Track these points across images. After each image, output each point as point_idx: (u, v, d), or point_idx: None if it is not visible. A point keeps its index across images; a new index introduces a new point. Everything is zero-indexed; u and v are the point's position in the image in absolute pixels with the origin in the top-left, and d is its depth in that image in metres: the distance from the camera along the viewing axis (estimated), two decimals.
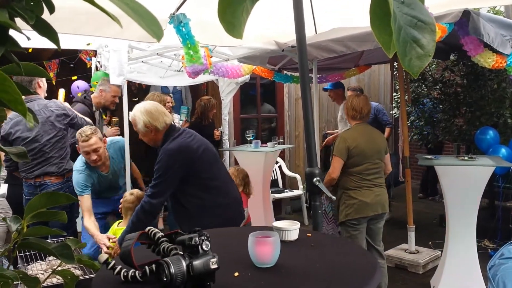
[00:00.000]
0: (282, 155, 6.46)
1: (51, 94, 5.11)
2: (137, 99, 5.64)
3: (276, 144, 5.29)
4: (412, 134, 6.03)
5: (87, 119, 3.85)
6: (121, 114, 4.10)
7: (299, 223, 1.69)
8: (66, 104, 3.87)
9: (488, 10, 4.99)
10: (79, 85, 5.18)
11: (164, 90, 6.51)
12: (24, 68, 0.99)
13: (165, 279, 1.19)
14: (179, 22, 2.98)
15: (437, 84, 5.70)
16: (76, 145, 3.29)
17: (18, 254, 2.44)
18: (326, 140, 5.76)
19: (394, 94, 6.12)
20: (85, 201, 3.25)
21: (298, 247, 1.61)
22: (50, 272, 1.67)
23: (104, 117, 4.60)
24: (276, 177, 6.31)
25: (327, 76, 5.60)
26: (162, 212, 5.38)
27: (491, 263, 2.04)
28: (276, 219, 4.88)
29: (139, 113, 2.73)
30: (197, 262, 1.20)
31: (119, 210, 3.26)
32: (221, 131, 5.55)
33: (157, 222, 5.18)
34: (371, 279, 1.27)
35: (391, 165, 3.59)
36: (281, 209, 6.54)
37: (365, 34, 3.33)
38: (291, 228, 1.65)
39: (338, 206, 3.36)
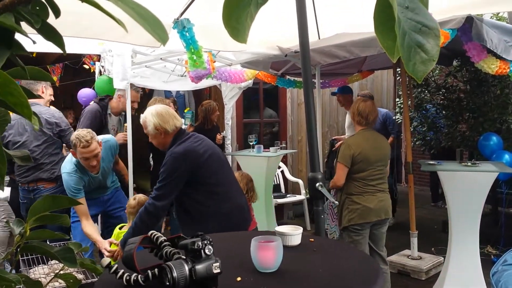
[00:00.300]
0: (284, 160, 6.46)
1: (56, 98, 5.13)
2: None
3: (278, 149, 5.29)
4: (415, 139, 6.01)
5: None
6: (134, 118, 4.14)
7: (301, 228, 1.69)
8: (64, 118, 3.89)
9: (491, 16, 4.98)
10: (83, 95, 5.18)
11: (167, 94, 6.52)
12: (28, 72, 0.99)
13: (167, 283, 1.18)
14: (183, 27, 2.99)
15: (440, 90, 5.70)
16: (70, 150, 3.20)
17: (20, 258, 2.44)
18: (336, 146, 5.67)
19: (397, 99, 6.12)
20: (81, 204, 3.20)
21: (301, 252, 1.61)
22: (52, 276, 1.67)
23: (125, 124, 4.53)
24: (278, 182, 6.31)
25: (330, 81, 5.61)
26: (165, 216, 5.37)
27: (494, 270, 2.03)
28: (279, 224, 4.87)
29: (150, 116, 2.74)
30: (199, 267, 1.20)
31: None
32: (223, 136, 5.56)
33: (161, 225, 5.17)
34: (374, 284, 1.27)
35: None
36: (283, 214, 6.53)
37: (368, 40, 3.34)
38: (294, 233, 1.64)
39: (341, 211, 3.35)
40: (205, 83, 5.25)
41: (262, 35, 3.77)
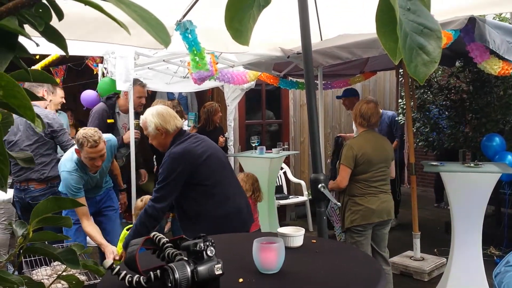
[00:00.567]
0: (287, 161, 6.46)
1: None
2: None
3: (281, 150, 5.29)
4: (417, 140, 6.00)
5: (73, 142, 3.82)
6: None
7: (303, 229, 1.69)
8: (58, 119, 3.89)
9: (494, 17, 4.98)
10: (85, 97, 5.18)
11: (170, 96, 6.54)
12: (32, 74, 1.00)
13: (169, 284, 1.18)
14: (186, 29, 3.00)
15: (443, 90, 5.69)
16: (75, 149, 3.14)
17: (23, 260, 2.45)
18: (342, 137, 5.58)
19: (400, 100, 6.11)
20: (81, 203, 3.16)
21: (303, 253, 1.61)
22: (55, 278, 1.67)
23: (135, 121, 4.49)
24: (281, 183, 6.30)
25: (332, 83, 5.61)
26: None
27: (497, 271, 2.02)
28: (281, 225, 4.88)
29: (150, 116, 2.74)
30: (201, 268, 1.20)
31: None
32: (226, 137, 5.56)
33: (164, 226, 5.17)
34: (376, 286, 1.27)
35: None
36: (286, 215, 6.53)
37: (370, 41, 3.34)
38: (296, 234, 1.64)
39: (343, 213, 3.35)
40: (207, 85, 5.27)
41: (265, 36, 3.77)
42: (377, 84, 7.71)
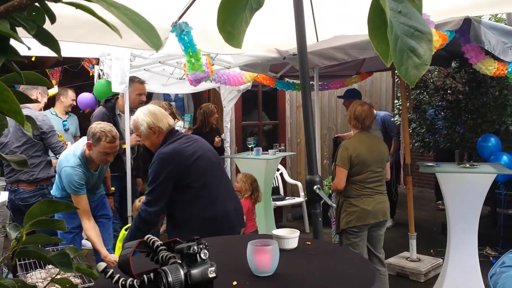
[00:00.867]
0: (283, 162, 6.46)
1: (55, 102, 5.14)
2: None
3: (277, 151, 5.29)
4: (414, 141, 6.02)
5: (64, 147, 3.80)
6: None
7: (298, 231, 1.68)
8: (49, 121, 3.88)
9: (490, 18, 4.99)
10: (82, 99, 5.17)
11: (166, 97, 6.53)
12: (25, 76, 0.99)
13: (163, 287, 1.18)
14: (181, 30, 3.00)
15: (438, 91, 5.70)
16: (87, 142, 3.05)
17: (17, 262, 2.43)
18: (340, 137, 5.58)
19: (396, 101, 6.12)
20: (83, 200, 3.00)
21: (298, 255, 1.60)
22: (48, 281, 1.66)
23: None
24: (277, 185, 6.30)
25: (328, 84, 5.61)
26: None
27: (492, 271, 2.02)
28: (277, 227, 4.88)
29: (142, 115, 2.71)
30: (195, 271, 1.19)
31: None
32: (222, 138, 5.56)
33: (159, 228, 5.16)
34: (370, 287, 1.27)
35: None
36: (282, 216, 6.53)
37: (366, 42, 3.34)
38: (291, 236, 1.64)
39: (339, 214, 3.35)
40: (204, 86, 5.27)
41: (261, 37, 3.77)
42: (373, 85, 7.73)
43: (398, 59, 0.67)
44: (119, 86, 3.97)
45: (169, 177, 2.55)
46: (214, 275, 1.22)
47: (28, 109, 3.67)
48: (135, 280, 1.30)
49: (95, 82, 4.86)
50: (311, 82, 4.06)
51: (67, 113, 5.22)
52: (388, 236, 3.64)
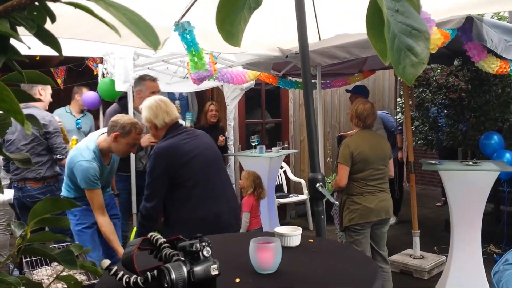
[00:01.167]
0: (287, 160, 6.47)
1: (60, 101, 5.17)
2: None
3: (280, 149, 5.30)
4: (416, 139, 6.01)
5: (67, 148, 3.80)
6: None
7: (301, 229, 1.69)
8: (57, 122, 3.88)
9: (492, 16, 4.98)
10: (86, 98, 5.19)
11: (171, 96, 6.54)
12: (28, 76, 1.01)
13: (166, 285, 1.19)
14: (184, 29, 3.01)
15: (441, 89, 5.69)
16: (113, 134, 2.96)
17: (24, 260, 2.46)
18: (344, 135, 5.58)
19: (399, 99, 6.11)
20: (99, 195, 2.94)
21: (300, 253, 1.61)
22: (53, 278, 1.68)
23: None
24: (281, 182, 6.31)
25: (331, 82, 5.61)
26: None
27: (496, 269, 2.03)
28: (281, 224, 4.88)
29: (143, 108, 2.73)
30: (198, 268, 1.20)
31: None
32: (226, 137, 5.58)
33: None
34: (372, 285, 1.27)
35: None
36: (286, 214, 6.54)
37: (368, 41, 3.31)
38: (293, 234, 1.65)
39: (341, 211, 3.36)
40: (207, 85, 5.28)
41: (263, 36, 3.78)
42: (376, 83, 7.71)
43: (395, 58, 0.67)
44: (123, 85, 3.99)
45: (164, 173, 2.55)
46: (217, 272, 1.23)
47: (36, 109, 3.69)
48: (138, 277, 1.31)
49: (99, 81, 4.88)
50: (313, 81, 4.08)
51: (82, 111, 5.25)
52: (392, 234, 3.64)
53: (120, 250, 2.93)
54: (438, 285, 3.78)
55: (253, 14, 0.76)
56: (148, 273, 1.30)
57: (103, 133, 3.10)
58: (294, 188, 6.57)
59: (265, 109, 6.70)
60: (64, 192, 3.13)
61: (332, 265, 1.51)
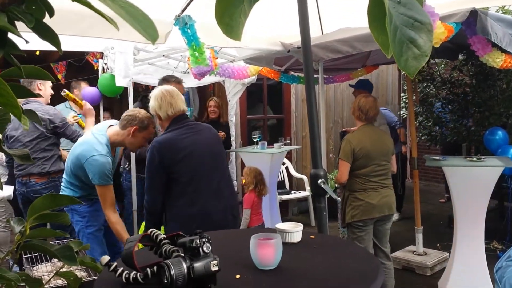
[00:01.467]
0: (289, 156, 6.45)
1: (60, 96, 5.16)
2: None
3: (282, 145, 5.29)
4: (420, 134, 5.98)
5: (82, 133, 3.75)
6: None
7: (302, 225, 1.68)
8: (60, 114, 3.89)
9: (497, 10, 4.93)
10: (86, 93, 5.19)
11: None
12: (27, 71, 0.99)
13: (165, 281, 1.19)
14: (184, 24, 2.99)
15: (445, 84, 5.66)
16: (133, 128, 2.93)
17: (23, 256, 2.46)
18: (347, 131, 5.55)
19: (402, 94, 6.09)
20: (111, 191, 2.87)
21: (301, 249, 1.60)
22: (53, 274, 1.67)
23: None
24: (283, 178, 6.30)
25: (334, 77, 5.58)
26: None
27: (498, 265, 2.01)
28: (283, 221, 4.88)
29: (152, 98, 2.72)
30: (197, 264, 1.20)
31: None
32: (224, 133, 5.55)
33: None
34: (373, 282, 1.26)
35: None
36: (288, 210, 6.53)
37: (371, 35, 3.30)
38: (294, 230, 1.64)
39: (344, 208, 3.35)
40: (208, 80, 5.26)
41: (265, 30, 3.75)
42: (379, 78, 7.67)
43: (397, 50, 0.66)
44: (123, 80, 3.98)
45: (160, 167, 2.54)
46: (217, 268, 1.22)
47: (38, 104, 3.70)
48: (138, 273, 1.31)
49: (99, 76, 4.87)
50: (316, 75, 4.05)
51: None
52: (395, 230, 3.63)
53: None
54: (440, 282, 3.77)
55: (254, 7, 0.75)
56: (148, 269, 1.29)
57: (110, 125, 3.03)
58: (296, 185, 6.56)
59: (267, 105, 6.68)
60: (67, 192, 3.00)
61: (334, 262, 1.50)
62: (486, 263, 3.47)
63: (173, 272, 1.18)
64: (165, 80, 3.65)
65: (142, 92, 6.70)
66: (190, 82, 5.38)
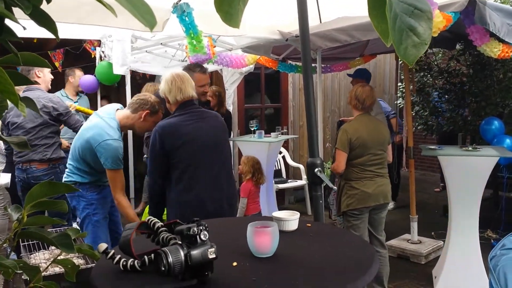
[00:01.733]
0: (286, 145, 6.46)
1: (57, 84, 5.14)
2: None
3: (279, 134, 5.29)
4: (416, 124, 5.99)
5: (82, 121, 3.80)
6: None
7: (298, 214, 1.69)
8: (64, 101, 3.89)
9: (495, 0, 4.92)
10: (84, 82, 5.16)
11: None
12: (25, 58, 0.99)
13: (163, 268, 1.19)
14: (182, 11, 2.96)
15: (442, 74, 5.65)
16: (144, 112, 2.91)
17: (21, 243, 2.46)
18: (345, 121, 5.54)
19: (399, 84, 6.08)
20: (122, 175, 2.88)
21: (298, 237, 1.61)
22: (50, 261, 1.68)
23: None
24: (279, 167, 6.32)
25: (331, 66, 5.57)
26: None
27: (492, 254, 2.03)
28: (280, 209, 4.90)
29: (163, 81, 2.72)
30: (195, 252, 1.20)
31: None
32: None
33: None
34: (368, 269, 1.27)
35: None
36: (284, 199, 6.56)
37: (369, 23, 3.24)
38: (291, 218, 1.65)
39: (340, 197, 3.36)
40: None
41: (263, 19, 3.73)
42: (377, 67, 7.66)
43: (397, 38, 0.65)
44: (120, 68, 3.96)
45: (160, 151, 2.56)
46: (214, 256, 1.23)
47: (39, 91, 3.69)
48: (135, 261, 1.31)
49: (97, 64, 4.85)
50: (314, 65, 4.04)
51: (77, 93, 5.23)
52: (390, 219, 3.65)
53: None
54: (435, 270, 3.81)
55: None
56: (145, 257, 1.30)
57: (118, 109, 3.00)
58: (293, 173, 6.57)
59: (264, 94, 6.66)
60: (76, 178, 2.95)
61: (329, 250, 1.52)
62: (480, 251, 3.50)
63: (170, 260, 1.19)
64: (190, 69, 3.32)
65: (139, 80, 6.68)
66: None
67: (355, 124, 3.32)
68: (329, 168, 4.94)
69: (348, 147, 3.22)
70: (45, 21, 0.92)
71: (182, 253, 1.20)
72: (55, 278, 2.04)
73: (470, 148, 3.70)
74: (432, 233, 4.82)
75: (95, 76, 4.87)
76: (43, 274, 1.31)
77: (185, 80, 2.68)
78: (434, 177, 7.71)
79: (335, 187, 3.35)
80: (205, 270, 1.23)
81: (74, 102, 5.09)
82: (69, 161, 3.02)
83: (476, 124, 5.10)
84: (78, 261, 2.25)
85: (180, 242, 1.26)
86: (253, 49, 4.27)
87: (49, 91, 3.98)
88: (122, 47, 3.97)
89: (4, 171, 3.84)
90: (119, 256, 1.34)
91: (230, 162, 2.87)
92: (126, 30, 3.87)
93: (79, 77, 5.14)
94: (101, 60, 4.74)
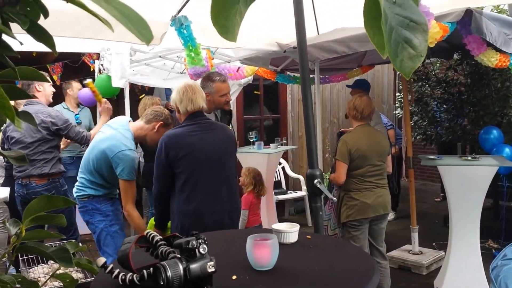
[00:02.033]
0: (285, 156, 6.45)
1: (57, 97, 5.15)
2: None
3: (279, 145, 5.29)
4: (415, 134, 6.00)
5: (86, 134, 3.83)
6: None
7: (298, 225, 1.68)
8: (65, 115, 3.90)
9: (492, 9, 4.95)
10: (82, 95, 5.17)
11: (168, 92, 6.51)
12: (22, 72, 0.99)
13: (162, 282, 1.18)
14: (181, 24, 2.98)
15: (440, 83, 5.67)
16: (158, 122, 2.98)
17: (20, 258, 2.45)
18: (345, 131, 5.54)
19: (398, 94, 6.10)
20: (134, 187, 2.91)
21: (297, 249, 1.60)
22: (49, 276, 1.67)
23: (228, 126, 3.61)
24: (279, 179, 6.30)
25: (330, 77, 5.59)
26: None
27: (494, 264, 2.02)
28: (280, 221, 4.88)
29: (175, 90, 2.74)
30: (194, 266, 1.19)
31: None
32: None
33: None
34: (369, 281, 1.26)
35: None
36: (284, 210, 6.53)
37: (367, 35, 3.31)
38: (290, 231, 1.64)
39: (339, 207, 3.35)
40: None
41: (261, 31, 3.75)
42: (375, 77, 7.69)
43: (392, 51, 0.66)
44: (119, 81, 3.97)
45: (165, 161, 2.57)
46: (213, 269, 1.22)
47: (40, 105, 3.69)
48: (134, 275, 1.30)
49: (96, 77, 4.86)
50: (312, 76, 4.06)
51: (78, 105, 5.24)
52: (390, 229, 3.64)
53: None
54: (436, 281, 3.78)
55: (250, 7, 0.75)
56: (144, 271, 1.28)
57: (130, 121, 3.07)
58: (293, 185, 6.56)
59: (263, 105, 6.67)
60: (90, 192, 2.95)
61: (330, 262, 1.50)
62: (481, 262, 3.48)
63: (169, 274, 1.18)
64: (209, 79, 3.15)
65: (138, 92, 6.69)
66: None
67: (355, 134, 3.32)
68: (327, 179, 4.94)
69: (348, 158, 3.21)
70: (43, 36, 0.92)
71: (181, 267, 1.19)
72: None
73: (469, 158, 3.70)
74: (433, 243, 4.79)
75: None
76: None
77: (196, 91, 2.69)
78: (434, 187, 7.70)
79: (335, 198, 3.34)
80: (204, 284, 1.22)
81: (75, 115, 5.10)
82: (80, 175, 3.03)
83: (475, 133, 5.11)
84: (77, 275, 2.24)
85: (179, 256, 1.25)
86: (252, 60, 4.29)
87: (50, 104, 3.98)
88: (120, 60, 3.98)
89: (4, 184, 3.82)
90: (117, 270, 1.33)
91: (234, 174, 2.83)
92: (125, 43, 3.89)
93: (77, 89, 5.15)
94: (100, 73, 4.75)
